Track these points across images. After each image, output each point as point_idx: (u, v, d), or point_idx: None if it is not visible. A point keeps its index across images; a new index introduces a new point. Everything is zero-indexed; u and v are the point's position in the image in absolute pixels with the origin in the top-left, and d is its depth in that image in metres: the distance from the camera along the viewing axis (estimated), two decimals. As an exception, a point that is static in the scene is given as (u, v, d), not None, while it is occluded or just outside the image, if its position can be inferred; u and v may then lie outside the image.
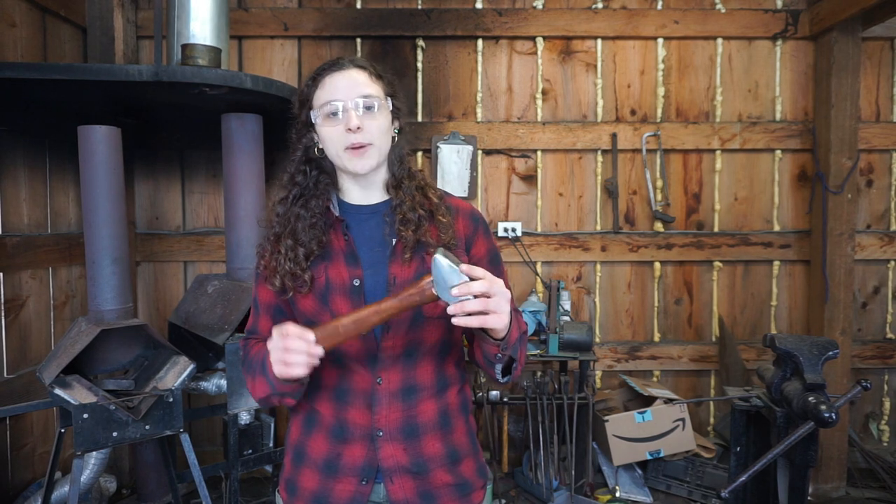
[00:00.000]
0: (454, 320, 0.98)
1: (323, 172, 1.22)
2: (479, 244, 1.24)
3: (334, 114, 1.13)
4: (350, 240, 1.18)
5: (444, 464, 1.19)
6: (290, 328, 1.02)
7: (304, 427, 1.23)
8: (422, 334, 1.16)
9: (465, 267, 0.97)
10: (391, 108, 1.19)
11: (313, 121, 1.17)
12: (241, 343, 1.31)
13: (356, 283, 1.15)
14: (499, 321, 0.99)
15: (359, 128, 1.11)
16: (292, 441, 1.25)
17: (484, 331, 1.05)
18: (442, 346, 1.20)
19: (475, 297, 0.96)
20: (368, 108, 1.13)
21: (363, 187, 1.22)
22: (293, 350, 1.01)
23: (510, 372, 1.16)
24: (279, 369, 1.04)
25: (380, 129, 1.15)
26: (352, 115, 1.12)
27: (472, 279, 0.97)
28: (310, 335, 1.01)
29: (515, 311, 1.23)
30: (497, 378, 1.15)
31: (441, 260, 0.96)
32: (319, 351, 1.02)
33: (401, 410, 1.16)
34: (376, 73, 1.18)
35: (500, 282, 1.00)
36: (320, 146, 1.18)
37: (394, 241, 1.17)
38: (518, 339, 1.12)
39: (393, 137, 1.20)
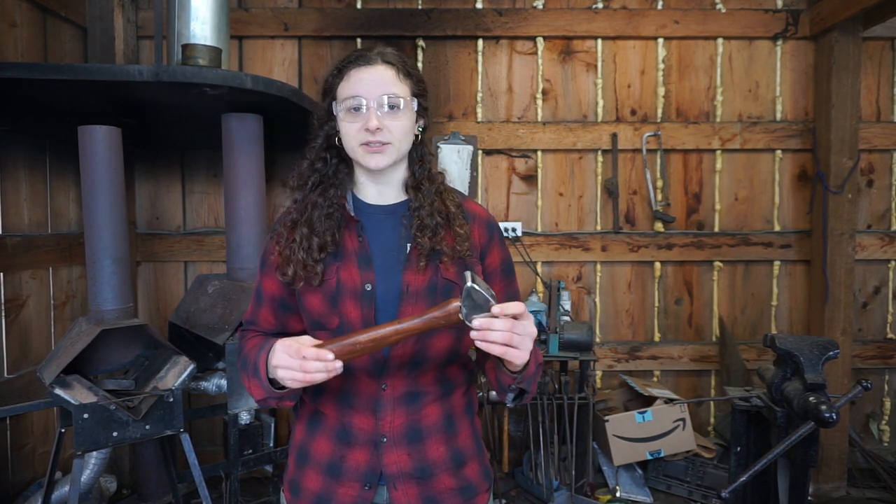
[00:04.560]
0: (477, 343, 0.96)
1: (342, 161, 1.20)
2: (493, 254, 1.22)
3: (357, 109, 1.10)
4: (364, 242, 1.15)
5: (448, 468, 1.17)
6: (308, 350, 0.99)
7: (309, 428, 1.22)
8: (430, 344, 1.14)
9: (497, 308, 0.94)
10: (416, 108, 1.15)
11: (335, 112, 1.14)
12: (238, 333, 1.30)
13: (368, 287, 1.12)
14: (518, 356, 0.98)
15: (378, 128, 1.09)
16: (296, 441, 1.24)
17: (501, 361, 1.03)
18: (449, 354, 1.18)
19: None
20: (392, 106, 1.10)
21: (380, 185, 1.19)
22: (311, 371, 0.98)
23: (521, 398, 1.14)
24: (292, 385, 1.02)
25: (401, 130, 1.12)
26: (373, 114, 1.09)
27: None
28: (328, 355, 0.98)
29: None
30: (507, 403, 1.14)
31: (474, 288, 0.95)
32: (338, 367, 0.99)
33: (405, 416, 1.15)
34: (405, 71, 1.14)
35: (528, 321, 0.98)
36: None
37: (409, 246, 1.14)
38: (534, 373, 1.10)
39: (417, 135, 1.18)
